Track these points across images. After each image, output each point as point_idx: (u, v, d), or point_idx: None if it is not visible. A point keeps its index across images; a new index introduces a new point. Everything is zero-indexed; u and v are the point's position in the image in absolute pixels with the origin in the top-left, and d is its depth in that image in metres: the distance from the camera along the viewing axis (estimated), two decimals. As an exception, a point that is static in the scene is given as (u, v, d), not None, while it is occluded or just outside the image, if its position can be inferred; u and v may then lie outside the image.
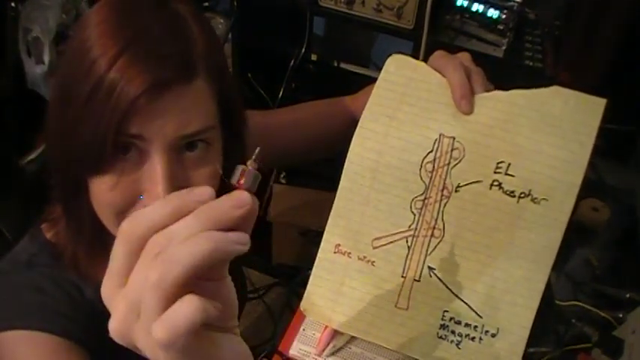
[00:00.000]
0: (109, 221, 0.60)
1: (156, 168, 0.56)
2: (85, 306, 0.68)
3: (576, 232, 1.04)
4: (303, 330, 0.68)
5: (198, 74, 0.56)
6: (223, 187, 0.63)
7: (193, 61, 0.56)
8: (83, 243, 0.65)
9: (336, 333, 0.66)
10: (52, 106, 0.59)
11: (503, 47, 1.20)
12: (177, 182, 0.57)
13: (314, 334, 0.67)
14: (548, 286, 0.91)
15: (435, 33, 1.21)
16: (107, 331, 0.71)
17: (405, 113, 0.64)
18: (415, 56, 0.67)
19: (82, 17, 0.59)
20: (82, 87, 0.54)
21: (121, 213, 0.58)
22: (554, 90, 0.61)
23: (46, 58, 1.49)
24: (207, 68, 0.57)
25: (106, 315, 0.72)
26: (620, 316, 0.88)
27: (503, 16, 1.19)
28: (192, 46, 0.56)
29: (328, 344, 0.66)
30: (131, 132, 0.54)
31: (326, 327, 0.66)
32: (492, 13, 1.19)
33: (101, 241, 0.63)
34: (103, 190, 0.57)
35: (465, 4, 1.21)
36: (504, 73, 1.18)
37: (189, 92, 0.55)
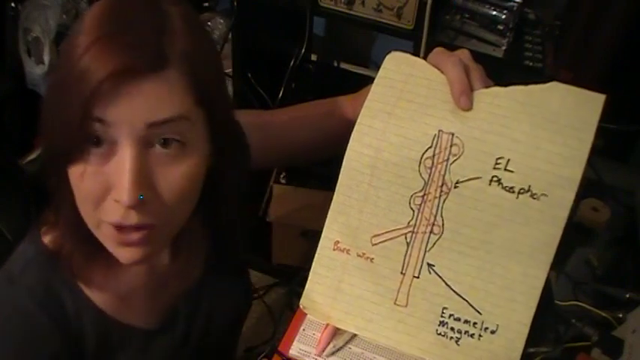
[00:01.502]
0: (88, 218, 0.60)
1: (123, 160, 0.56)
2: (64, 326, 0.67)
3: (576, 232, 1.04)
4: (303, 330, 0.68)
5: (170, 65, 0.56)
6: (214, 188, 0.64)
7: (165, 51, 0.56)
8: (77, 242, 0.65)
9: (336, 333, 0.66)
10: (45, 102, 0.60)
11: (503, 47, 1.20)
12: (145, 176, 0.57)
13: (314, 334, 0.67)
14: (548, 286, 0.91)
15: (435, 33, 1.21)
16: (82, 351, 0.71)
17: (404, 109, 0.64)
18: (415, 56, 0.67)
19: (79, 19, 0.60)
20: (60, 75, 0.57)
21: (95, 205, 0.58)
22: (553, 86, 0.61)
23: (46, 58, 1.49)
24: (183, 62, 0.57)
25: (89, 336, 0.72)
26: (620, 316, 0.88)
27: (503, 16, 1.19)
28: (168, 38, 0.57)
29: (328, 344, 0.66)
30: (97, 115, 0.54)
31: (326, 327, 0.66)
32: (492, 13, 1.19)
33: (93, 242, 0.63)
34: (75, 180, 0.58)
35: (465, 4, 1.21)
36: (504, 73, 1.18)
37: (157, 81, 0.55)
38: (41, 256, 0.67)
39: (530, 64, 1.19)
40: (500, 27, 1.19)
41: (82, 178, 0.57)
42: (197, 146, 0.61)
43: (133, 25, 0.56)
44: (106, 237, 0.60)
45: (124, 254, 0.61)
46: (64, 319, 0.67)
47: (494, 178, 0.61)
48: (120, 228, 0.58)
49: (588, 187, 1.06)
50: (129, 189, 0.55)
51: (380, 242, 0.64)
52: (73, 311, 0.68)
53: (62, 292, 0.67)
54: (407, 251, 0.63)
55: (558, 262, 0.99)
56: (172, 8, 0.59)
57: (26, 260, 0.68)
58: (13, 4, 1.50)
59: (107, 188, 0.57)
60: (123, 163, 0.55)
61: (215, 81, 0.64)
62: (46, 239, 0.68)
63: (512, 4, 1.18)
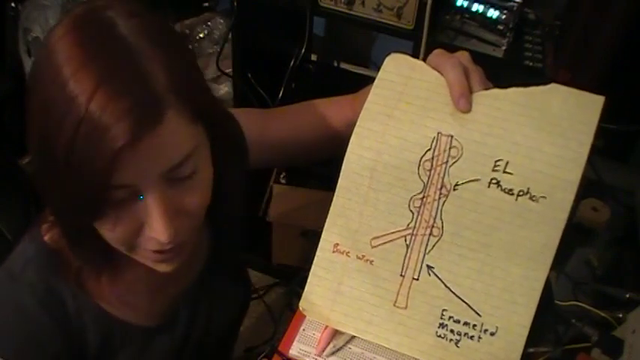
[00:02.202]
0: (121, 248, 0.62)
1: (151, 207, 0.57)
2: (65, 325, 0.68)
3: (576, 232, 1.04)
4: (303, 330, 0.68)
5: (168, 108, 0.55)
6: (218, 187, 0.64)
7: (159, 99, 0.54)
8: (91, 266, 0.67)
9: (336, 333, 0.66)
10: (32, 135, 0.57)
11: (503, 47, 1.20)
12: (174, 208, 0.58)
13: (314, 334, 0.67)
14: (548, 286, 0.91)
15: (435, 33, 1.21)
16: (91, 350, 0.71)
17: (403, 112, 0.64)
18: (415, 56, 0.67)
19: (45, 46, 0.55)
20: (64, 126, 0.52)
21: (129, 243, 0.60)
22: (553, 88, 0.61)
23: (46, 58, 1.49)
24: (175, 96, 0.55)
25: (90, 333, 0.72)
26: (620, 316, 0.88)
27: (503, 16, 1.18)
28: (154, 82, 0.54)
29: (328, 344, 0.66)
30: (117, 184, 0.54)
31: (326, 327, 0.66)
32: (492, 13, 1.19)
33: (110, 261, 0.66)
34: (105, 231, 0.59)
35: (465, 4, 1.21)
36: (504, 73, 1.18)
37: (163, 129, 0.54)
38: (42, 255, 0.68)
39: (530, 64, 1.19)
40: (500, 27, 1.19)
41: (112, 229, 0.58)
42: (205, 157, 0.62)
43: (119, 76, 0.53)
44: (143, 258, 0.63)
45: (161, 267, 0.64)
46: (64, 317, 0.68)
47: (493, 181, 0.61)
48: (157, 251, 0.61)
49: (588, 187, 1.06)
50: (164, 230, 0.57)
51: (379, 244, 0.64)
52: (73, 310, 0.68)
53: (63, 290, 0.68)
54: (406, 253, 0.63)
55: (558, 263, 0.99)
56: (129, 31, 0.55)
57: (27, 258, 0.68)
58: (13, 4, 1.50)
59: (139, 226, 0.58)
60: (151, 210, 0.57)
61: (202, 88, 0.63)
62: (47, 237, 0.69)
63: (512, 4, 1.18)
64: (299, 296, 0.66)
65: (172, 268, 0.64)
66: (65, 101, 0.52)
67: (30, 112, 0.57)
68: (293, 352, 0.66)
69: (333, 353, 0.66)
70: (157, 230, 0.57)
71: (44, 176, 0.58)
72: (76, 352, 0.69)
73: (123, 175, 0.54)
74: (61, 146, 0.53)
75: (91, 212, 0.57)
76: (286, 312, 1.54)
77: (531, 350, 0.82)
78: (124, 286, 0.72)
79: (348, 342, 0.67)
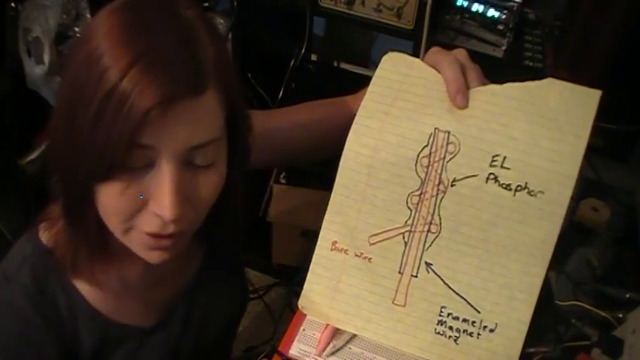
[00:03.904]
0: (116, 227, 0.61)
1: (164, 178, 0.56)
2: (58, 326, 0.68)
3: (576, 232, 1.04)
4: (303, 330, 0.68)
5: (209, 86, 0.56)
6: (224, 193, 0.64)
7: (205, 73, 0.56)
8: (86, 246, 0.65)
9: (336, 333, 0.66)
10: (59, 114, 0.59)
11: (503, 47, 1.20)
12: (184, 192, 0.58)
13: (314, 334, 0.67)
14: (548, 286, 0.91)
15: (435, 33, 1.21)
16: (76, 351, 0.71)
17: (400, 109, 0.64)
18: (415, 56, 0.67)
19: (88, 24, 0.59)
20: (93, 96, 0.54)
21: (129, 219, 0.59)
22: (549, 82, 0.61)
23: (46, 58, 1.49)
24: (217, 79, 0.57)
25: (75, 334, 0.72)
26: (620, 316, 0.88)
27: (503, 16, 1.18)
28: (203, 57, 0.56)
29: (328, 344, 0.66)
30: (143, 143, 0.54)
31: (326, 327, 0.66)
32: (492, 13, 1.19)
33: (105, 244, 0.64)
34: (110, 196, 0.58)
35: (465, 4, 1.21)
36: (504, 73, 1.18)
37: (200, 104, 0.56)
38: (37, 255, 0.68)
39: (530, 64, 1.19)
40: (500, 27, 1.19)
41: (119, 195, 0.57)
42: (224, 154, 0.62)
43: (166, 44, 0.55)
44: (136, 242, 0.61)
45: (152, 256, 0.62)
46: (57, 319, 0.68)
47: (491, 176, 0.61)
48: (154, 235, 0.60)
49: (588, 187, 1.06)
50: (171, 207, 0.56)
51: (378, 242, 0.64)
52: (66, 311, 0.68)
53: (56, 291, 0.68)
54: (405, 250, 0.63)
55: (558, 262, 0.99)
56: (191, 14, 0.58)
57: (23, 258, 0.68)
58: (13, 4, 1.50)
59: (145, 201, 0.58)
60: (164, 181, 0.56)
61: (238, 87, 0.64)
62: (44, 237, 0.69)
63: (512, 4, 1.18)
64: (299, 296, 0.66)
65: (163, 259, 0.62)
66: (111, 55, 0.54)
67: (69, 68, 0.58)
68: (293, 352, 0.66)
69: (333, 353, 0.66)
70: (163, 205, 0.56)
71: (66, 136, 0.58)
72: (68, 352, 0.69)
73: (149, 135, 0.54)
74: (97, 100, 0.53)
75: (106, 170, 0.55)
76: (286, 312, 1.54)
77: (531, 350, 0.82)
78: (122, 282, 0.71)
79: (348, 342, 0.67)
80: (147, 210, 0.58)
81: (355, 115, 0.66)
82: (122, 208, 0.58)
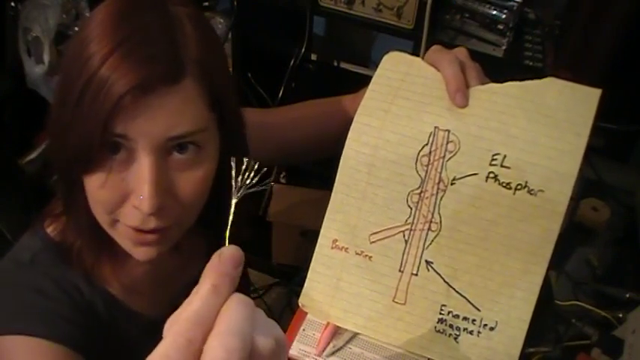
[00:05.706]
0: (102, 219, 0.61)
1: (142, 170, 0.56)
2: (85, 307, 0.68)
3: (576, 232, 1.05)
4: (303, 330, 0.68)
5: (187, 75, 0.56)
6: (217, 187, 0.64)
7: (182, 62, 0.56)
8: (85, 238, 0.66)
9: (336, 333, 0.66)
10: (53, 105, 0.60)
11: (503, 47, 1.20)
12: (164, 184, 0.58)
13: (314, 334, 0.67)
14: (549, 286, 0.91)
15: (435, 33, 1.21)
16: (105, 333, 0.71)
17: (400, 107, 0.64)
18: (415, 56, 0.67)
19: (84, 17, 0.60)
20: (77, 82, 0.55)
21: (112, 211, 0.59)
22: (549, 81, 0.61)
23: (46, 58, 1.49)
24: (198, 70, 0.57)
25: (103, 317, 0.73)
26: (620, 316, 0.88)
27: (504, 16, 1.18)
28: (182, 47, 0.57)
29: (328, 344, 0.66)
30: (116, 131, 0.55)
31: (326, 327, 0.66)
32: (492, 12, 1.19)
33: (101, 236, 0.64)
34: (93, 188, 0.58)
35: (465, 4, 1.21)
36: (504, 73, 1.18)
37: (176, 93, 0.56)
38: (49, 247, 0.68)
39: (530, 63, 1.19)
40: (500, 27, 1.19)
41: (101, 186, 0.57)
42: (211, 149, 0.62)
43: (148, 33, 0.56)
44: (122, 236, 0.61)
45: (139, 253, 0.62)
46: (81, 299, 0.68)
47: (491, 175, 0.61)
48: (137, 229, 0.59)
49: (588, 187, 1.06)
50: (149, 199, 0.56)
51: (378, 240, 0.64)
52: (87, 291, 0.68)
53: (75, 276, 0.68)
54: (405, 249, 0.63)
55: (558, 262, 0.99)
56: (180, 10, 0.59)
57: (34, 251, 0.68)
58: (13, 4, 1.49)
59: (126, 194, 0.58)
60: (142, 173, 0.56)
61: (226, 84, 0.64)
62: (50, 230, 0.69)
63: (512, 3, 1.18)
64: (299, 296, 0.66)
65: (151, 256, 0.62)
66: (97, 42, 0.55)
67: (63, 59, 0.60)
68: (293, 352, 0.66)
69: (333, 353, 0.66)
70: (141, 198, 0.56)
71: (56, 124, 0.59)
72: (91, 333, 0.69)
73: (125, 124, 0.54)
74: (84, 71, 0.54)
75: (86, 158, 0.56)
76: (286, 312, 1.55)
77: (531, 349, 0.82)
78: (129, 278, 0.72)
79: (348, 342, 0.67)
80: (128, 203, 0.58)
81: (354, 114, 0.66)
82: (104, 199, 0.58)
